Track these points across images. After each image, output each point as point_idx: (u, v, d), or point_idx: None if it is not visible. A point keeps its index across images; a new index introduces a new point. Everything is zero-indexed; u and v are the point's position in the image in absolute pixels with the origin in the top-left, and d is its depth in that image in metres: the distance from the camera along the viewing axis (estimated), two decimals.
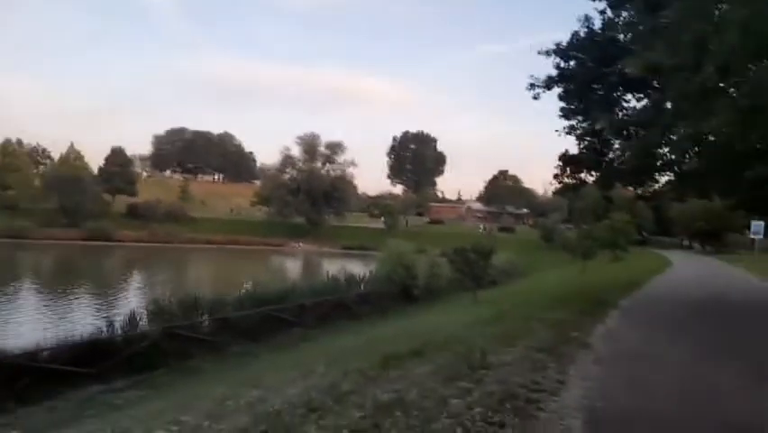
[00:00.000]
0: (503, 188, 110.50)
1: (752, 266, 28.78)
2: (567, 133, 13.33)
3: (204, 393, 10.04)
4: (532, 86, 13.45)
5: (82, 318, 18.97)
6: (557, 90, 13.72)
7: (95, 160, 74.66)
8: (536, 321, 10.19)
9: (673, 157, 12.38)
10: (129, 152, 79.06)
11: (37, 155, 79.00)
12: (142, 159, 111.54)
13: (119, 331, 14.76)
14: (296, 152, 74.85)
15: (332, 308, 22.92)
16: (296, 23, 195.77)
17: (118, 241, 57.41)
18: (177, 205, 72.83)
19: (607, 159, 13.45)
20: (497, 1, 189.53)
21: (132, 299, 24.36)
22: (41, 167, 73.96)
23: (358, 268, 35.47)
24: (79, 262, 44.54)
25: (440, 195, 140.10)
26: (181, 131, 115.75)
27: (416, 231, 77.64)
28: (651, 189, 14.62)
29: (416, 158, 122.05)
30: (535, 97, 13.53)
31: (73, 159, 67.53)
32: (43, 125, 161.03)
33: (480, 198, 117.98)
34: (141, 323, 15.94)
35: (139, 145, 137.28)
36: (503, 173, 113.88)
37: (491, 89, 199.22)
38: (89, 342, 13.67)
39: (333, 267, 47.04)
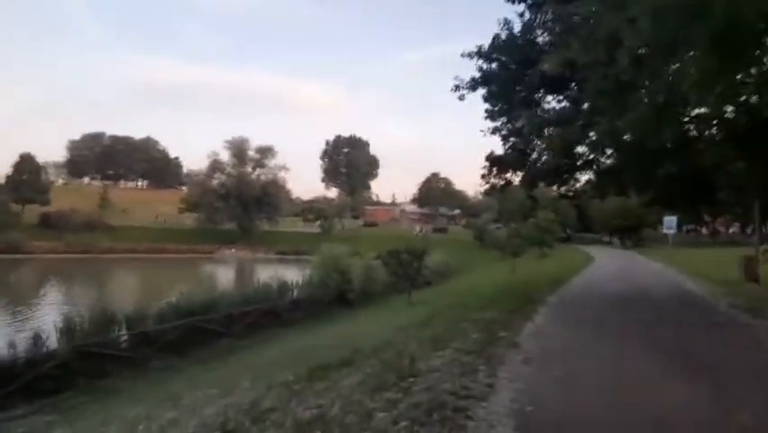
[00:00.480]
0: (436, 191, 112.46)
1: (668, 259, 30.52)
2: (492, 134, 13.47)
3: (114, 415, 9.23)
4: (457, 87, 13.48)
5: None
6: (482, 92, 13.83)
7: (3, 168, 69.26)
8: (467, 322, 10.10)
9: (592, 155, 12.75)
10: (43, 160, 73.85)
11: None
12: (57, 166, 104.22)
13: (20, 353, 13.38)
14: (225, 156, 72.67)
15: (262, 316, 22.10)
16: (226, 27, 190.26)
17: (29, 253, 53.32)
18: (95, 213, 68.54)
19: (530, 159, 13.68)
20: (425, 7, 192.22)
21: (43, 316, 22.44)
22: None
23: (293, 273, 34.67)
24: None
25: (375, 198, 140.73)
26: (99, 135, 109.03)
27: (352, 234, 77.28)
28: (573, 188, 15.03)
29: (349, 162, 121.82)
30: (461, 98, 13.56)
31: None
32: None
33: (413, 201, 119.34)
34: (48, 342, 14.54)
35: (54, 152, 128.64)
36: (435, 176, 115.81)
37: (423, 93, 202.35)
38: None
39: (266, 273, 45.77)
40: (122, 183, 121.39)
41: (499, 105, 13.06)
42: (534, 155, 13.68)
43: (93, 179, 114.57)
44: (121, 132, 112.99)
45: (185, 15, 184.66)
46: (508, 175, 14.39)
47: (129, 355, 15.80)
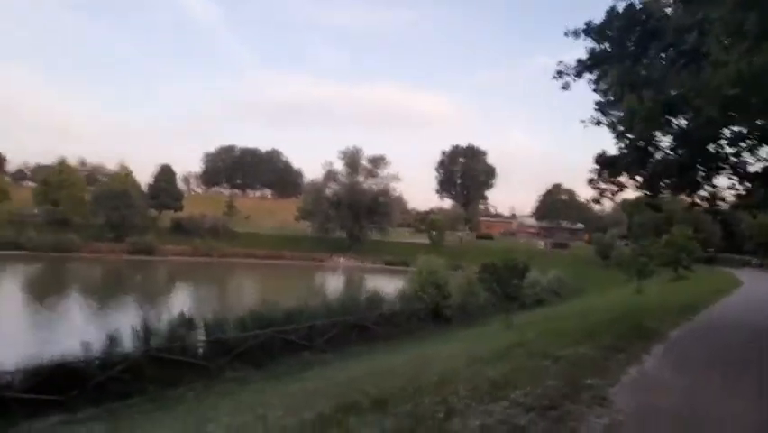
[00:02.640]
0: (557, 203, 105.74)
1: None
2: (596, 124, 10.97)
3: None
4: (560, 73, 11.23)
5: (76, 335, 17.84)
6: (591, 78, 11.42)
7: (146, 178, 76.79)
8: (552, 360, 7.94)
9: (732, 151, 9.85)
10: (183, 170, 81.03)
11: (91, 172, 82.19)
12: (194, 176, 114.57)
13: (95, 353, 13.38)
14: (339, 166, 74.11)
15: (348, 329, 21.05)
16: (347, 44, 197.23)
17: (160, 255, 57.97)
18: (220, 219, 73.22)
19: (650, 158, 10.98)
20: (546, 13, 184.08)
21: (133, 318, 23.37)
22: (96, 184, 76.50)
23: (396, 284, 33.42)
24: (105, 276, 44.74)
25: (492, 210, 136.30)
26: (231, 148, 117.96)
27: (463, 246, 74.92)
28: (709, 196, 11.91)
29: (465, 172, 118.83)
30: (564, 87, 11.31)
31: (123, 175, 69.29)
32: (102, 144, 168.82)
33: (533, 214, 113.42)
34: (125, 344, 14.54)
35: (192, 164, 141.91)
36: (557, 187, 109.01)
37: (546, 102, 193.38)
38: (57, 365, 12.34)
39: (370, 283, 45.52)
40: (249, 192, 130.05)
41: (613, 90, 10.59)
42: (657, 155, 10.95)
43: (224, 188, 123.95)
44: (250, 145, 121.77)
45: (309, 33, 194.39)
46: (622, 179, 11.76)
47: (203, 364, 15.42)
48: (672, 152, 10.60)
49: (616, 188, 11.83)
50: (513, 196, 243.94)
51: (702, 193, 11.72)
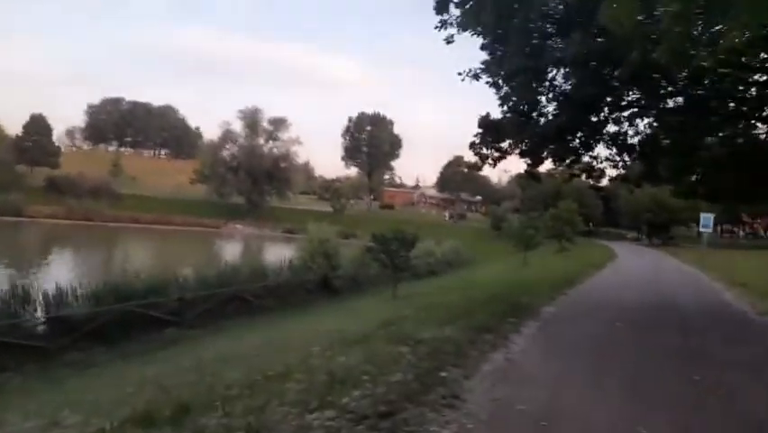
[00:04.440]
0: (458, 174, 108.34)
1: (702, 262, 26.76)
2: (474, 78, 10.13)
3: None
4: (442, 24, 10.15)
5: None
6: (478, 38, 10.50)
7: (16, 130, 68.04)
8: (413, 345, 7.07)
9: (613, 116, 9.47)
10: (67, 124, 72.58)
11: None
12: (77, 130, 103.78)
13: None
14: (237, 127, 70.18)
15: (226, 302, 19.42)
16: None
17: (30, 217, 51.97)
18: (103, 180, 66.93)
19: (533, 122, 10.37)
20: None
21: None
22: None
23: (292, 253, 31.84)
24: None
25: (398, 180, 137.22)
26: (118, 100, 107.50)
27: (365, 216, 74.59)
28: (587, 167, 11.66)
29: (371, 140, 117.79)
30: (448, 41, 10.28)
31: None
32: None
33: (436, 185, 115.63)
34: None
35: (77, 118, 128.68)
36: (458, 159, 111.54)
37: (451, 71, 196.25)
38: None
39: (268, 252, 43.66)
40: (143, 152, 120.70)
41: (495, 45, 9.73)
42: (540, 119, 10.35)
43: (113, 145, 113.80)
44: (143, 99, 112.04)
45: None
46: (504, 145, 11.11)
47: (40, 345, 13.24)
48: (554, 118, 10.05)
49: (497, 155, 11.18)
50: (418, 166, 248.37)
51: (583, 163, 11.43)
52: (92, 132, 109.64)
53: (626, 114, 10.50)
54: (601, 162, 11.38)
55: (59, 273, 25.31)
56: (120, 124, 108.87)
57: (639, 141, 10.62)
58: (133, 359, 13.34)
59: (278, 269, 24.26)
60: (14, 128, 66.43)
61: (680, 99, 9.31)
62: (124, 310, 15.60)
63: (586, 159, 11.48)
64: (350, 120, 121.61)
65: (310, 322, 16.04)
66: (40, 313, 14.14)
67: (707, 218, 29.67)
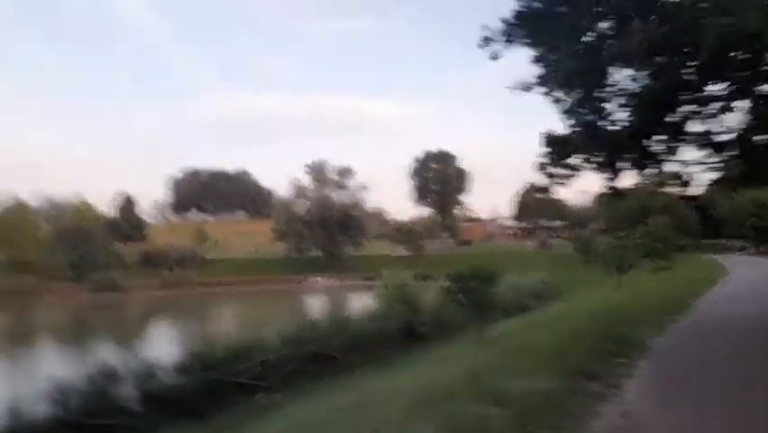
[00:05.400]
0: (533, 201, 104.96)
1: None
2: (529, 89, 9.32)
3: None
4: (486, 40, 9.55)
5: None
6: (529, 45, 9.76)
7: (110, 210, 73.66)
8: (501, 402, 6.17)
9: (694, 113, 8.30)
10: (148, 199, 77.62)
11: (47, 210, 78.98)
12: (164, 205, 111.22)
13: None
14: (306, 181, 72.16)
15: (309, 361, 19.08)
16: (302, 54, 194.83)
17: (128, 291, 55.30)
18: (190, 248, 70.55)
19: (605, 131, 9.36)
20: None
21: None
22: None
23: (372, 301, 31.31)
24: (50, 322, 41.82)
25: (471, 214, 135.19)
26: (197, 172, 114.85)
27: (443, 255, 73.40)
28: (676, 173, 10.32)
29: (438, 177, 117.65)
30: (494, 57, 9.65)
31: (82, 210, 66.32)
32: (61, 179, 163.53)
33: (512, 215, 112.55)
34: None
35: (155, 191, 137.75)
36: (532, 186, 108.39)
37: (513, 102, 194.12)
38: None
39: (350, 302, 43.54)
40: (224, 216, 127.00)
41: (547, 54, 8.98)
42: (609, 127, 9.33)
43: (195, 214, 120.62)
44: (214, 167, 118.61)
45: (265, 49, 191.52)
46: (574, 161, 10.14)
47: (126, 424, 13.31)
48: (626, 124, 9.01)
49: (568, 173, 10.20)
50: (492, 198, 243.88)
51: (669, 171, 10.15)
52: (176, 203, 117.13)
53: (710, 108, 9.26)
54: (689, 167, 10.07)
55: (153, 346, 26.27)
56: (201, 193, 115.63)
57: (731, 138, 9.29)
58: None
59: (359, 320, 23.78)
60: (102, 207, 72.01)
61: None
62: (210, 379, 15.58)
63: (671, 166, 10.21)
64: (416, 160, 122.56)
65: (393, 377, 15.27)
66: (129, 390, 14.30)
67: None
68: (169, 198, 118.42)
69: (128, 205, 71.68)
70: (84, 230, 59.93)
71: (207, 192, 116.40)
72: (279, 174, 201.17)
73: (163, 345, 23.03)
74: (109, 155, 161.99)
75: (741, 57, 7.91)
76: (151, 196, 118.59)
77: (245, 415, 14.49)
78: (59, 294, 52.21)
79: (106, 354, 21.55)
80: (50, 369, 18.05)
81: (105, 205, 72.55)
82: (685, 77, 8.47)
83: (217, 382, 15.54)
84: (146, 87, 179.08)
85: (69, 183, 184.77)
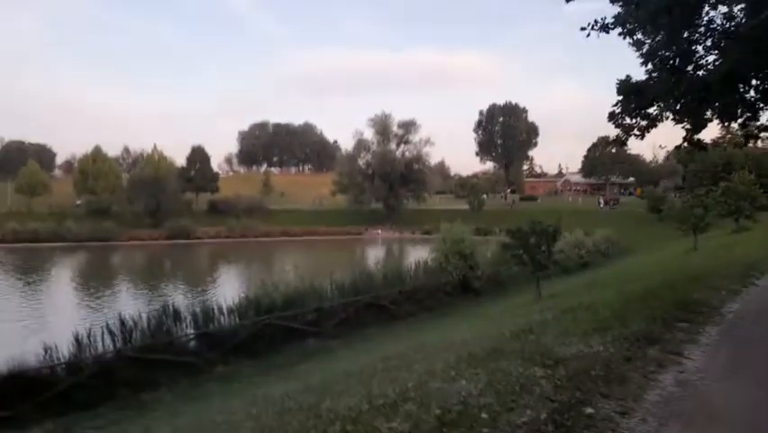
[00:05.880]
0: (605, 156, 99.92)
1: None
2: (623, 37, 8.32)
3: None
4: None
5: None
6: None
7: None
8: (552, 365, 5.75)
9: None
10: (224, 151, 79.95)
11: (133, 159, 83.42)
12: (228, 157, 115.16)
13: (59, 358, 12.08)
14: (369, 135, 71.89)
15: (363, 310, 19.25)
16: (377, 11, 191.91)
17: (197, 238, 57.98)
18: (256, 199, 72.69)
19: (689, 76, 8.27)
20: None
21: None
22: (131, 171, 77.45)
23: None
24: (133, 262, 44.56)
25: (538, 169, 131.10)
26: (264, 125, 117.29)
27: (504, 210, 71.81)
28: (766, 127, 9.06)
29: (505, 131, 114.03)
30: None
31: (157, 160, 69.46)
32: (144, 131, 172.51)
33: (581, 170, 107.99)
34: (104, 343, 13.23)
35: (231, 144, 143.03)
36: (604, 140, 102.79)
37: (588, 49, 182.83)
38: (10, 375, 11.06)
39: (410, 254, 43.75)
40: (289, 169, 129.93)
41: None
42: (697, 72, 8.23)
43: (262, 166, 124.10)
44: (285, 120, 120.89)
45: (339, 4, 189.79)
46: (653, 110, 9.10)
47: (190, 361, 13.96)
48: (719, 64, 7.87)
49: (645, 123, 9.17)
50: (560, 153, 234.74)
51: (761, 122, 8.92)
52: (245, 156, 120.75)
53: None
54: None
55: (216, 289, 27.47)
56: (268, 145, 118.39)
57: None
58: (272, 372, 13.51)
59: (415, 272, 23.70)
60: (179, 160, 75.38)
61: None
62: (266, 323, 16.03)
63: (765, 115, 8.96)
64: (481, 114, 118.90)
65: (444, 329, 15.10)
66: (191, 330, 14.95)
67: None
68: (237, 151, 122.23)
69: (200, 156, 74.39)
70: (159, 180, 62.89)
71: (274, 145, 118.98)
72: (348, 128, 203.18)
73: (225, 289, 23.98)
74: (189, 110, 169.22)
75: None
76: (225, 149, 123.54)
77: (296, 358, 14.87)
78: (135, 238, 55.74)
79: (173, 295, 22.78)
80: (122, 307, 19.09)
81: (181, 157, 76.05)
82: None
83: (270, 325, 15.95)
84: (225, 44, 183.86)
85: (152, 136, 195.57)
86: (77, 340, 12.53)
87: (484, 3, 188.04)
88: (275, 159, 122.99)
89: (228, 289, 23.37)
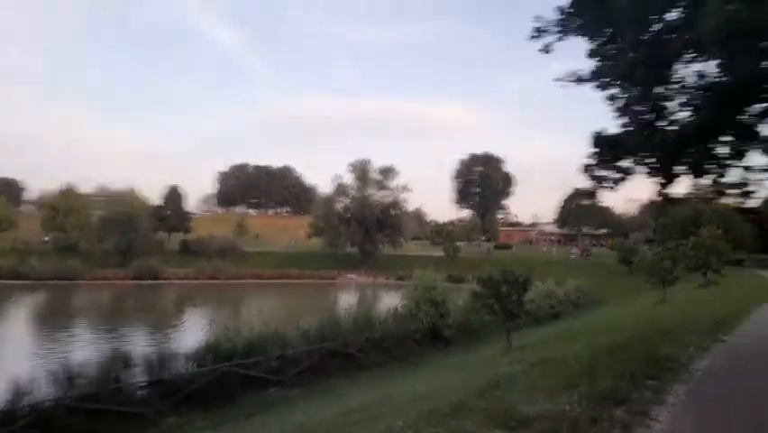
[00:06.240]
0: (578, 208, 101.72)
1: None
2: (596, 88, 8.39)
3: None
4: (538, 31, 8.69)
5: None
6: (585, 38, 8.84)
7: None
8: (517, 425, 5.37)
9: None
10: (201, 192, 79.38)
11: (109, 198, 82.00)
12: (206, 197, 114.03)
13: None
14: (349, 179, 72.04)
15: (328, 358, 18.55)
16: (358, 60, 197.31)
17: (165, 279, 56.36)
18: (229, 240, 71.49)
19: (661, 130, 8.32)
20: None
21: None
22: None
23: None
24: (86, 305, 42.76)
25: (513, 218, 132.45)
26: (243, 166, 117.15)
27: (479, 258, 71.88)
28: (741, 181, 9.09)
29: (482, 180, 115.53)
30: (546, 50, 8.77)
31: (131, 199, 68.27)
32: (122, 171, 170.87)
33: (554, 221, 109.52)
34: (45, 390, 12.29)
35: (209, 185, 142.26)
36: (577, 191, 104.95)
37: (563, 105, 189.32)
38: None
39: (382, 300, 43.07)
40: (268, 211, 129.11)
41: (611, 48, 8.07)
42: (669, 123, 8.28)
43: (240, 207, 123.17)
44: (265, 162, 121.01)
45: (320, 51, 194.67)
46: (626, 163, 9.11)
47: (139, 411, 13.06)
48: (691, 117, 7.95)
49: (617, 176, 9.17)
50: (534, 204, 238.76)
51: (729, 179, 8.96)
52: (223, 197, 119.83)
53: None
54: (754, 174, 8.84)
55: (178, 334, 26.38)
56: (246, 187, 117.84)
57: None
58: (226, 425, 12.70)
59: (384, 320, 23.11)
60: (156, 199, 74.33)
61: None
62: (224, 371, 15.24)
63: (733, 172, 9.01)
64: (460, 162, 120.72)
65: (412, 381, 14.51)
66: (142, 377, 14.08)
67: None
68: (215, 191, 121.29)
69: (175, 196, 73.47)
70: (130, 218, 61.55)
71: (252, 186, 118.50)
72: (327, 173, 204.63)
73: (186, 334, 23.03)
74: (169, 150, 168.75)
75: None
76: (202, 190, 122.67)
77: (253, 409, 14.06)
78: (100, 278, 53.84)
79: (130, 339, 21.69)
80: (73, 351, 18.07)
81: (156, 197, 74.95)
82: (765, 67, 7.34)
83: (229, 373, 15.17)
84: (206, 88, 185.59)
85: (126, 176, 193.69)
86: (15, 387, 11.61)
87: (469, 55, 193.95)
88: (253, 200, 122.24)
89: (190, 333, 22.39)
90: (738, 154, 8.21)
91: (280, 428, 10.69)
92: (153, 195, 75.26)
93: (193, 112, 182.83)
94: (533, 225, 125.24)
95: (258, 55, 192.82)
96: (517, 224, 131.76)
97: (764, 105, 7.77)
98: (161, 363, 14.55)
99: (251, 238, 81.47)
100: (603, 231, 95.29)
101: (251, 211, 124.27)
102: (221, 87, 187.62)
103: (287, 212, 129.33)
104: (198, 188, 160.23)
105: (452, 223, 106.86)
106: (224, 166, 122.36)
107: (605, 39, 8.39)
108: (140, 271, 55.31)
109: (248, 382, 15.63)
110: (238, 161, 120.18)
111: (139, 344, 17.25)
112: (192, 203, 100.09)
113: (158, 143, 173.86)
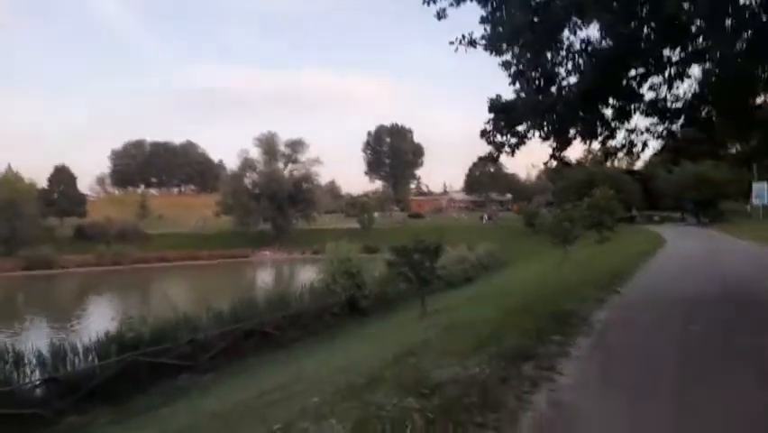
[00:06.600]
0: (484, 175, 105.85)
1: (762, 236, 24.13)
2: (505, 71, 8.51)
3: None
4: None
5: None
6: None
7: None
8: (428, 393, 5.34)
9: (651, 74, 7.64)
10: (97, 173, 73.32)
11: None
12: (101, 178, 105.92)
13: None
14: (255, 154, 69.75)
15: (243, 338, 18.04)
16: (265, 30, 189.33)
17: (62, 267, 52.19)
18: (130, 222, 67.21)
19: (553, 96, 8.61)
20: None
21: None
22: None
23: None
24: None
25: (425, 188, 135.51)
26: (140, 143, 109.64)
27: (393, 228, 72.94)
28: (627, 143, 9.73)
29: (392, 151, 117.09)
30: (440, 15, 8.70)
31: (13, 182, 61.88)
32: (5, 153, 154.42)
33: (463, 189, 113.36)
34: None
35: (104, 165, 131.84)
36: (482, 160, 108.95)
37: (474, 75, 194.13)
38: None
39: (299, 276, 42.51)
40: (171, 190, 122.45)
41: (494, 11, 8.13)
42: (560, 92, 8.59)
43: (139, 187, 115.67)
44: (164, 139, 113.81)
45: (224, 20, 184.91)
46: (522, 128, 9.35)
47: (32, 412, 12.00)
48: (578, 83, 8.27)
49: (514, 141, 9.41)
50: (445, 173, 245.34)
51: (617, 142, 9.54)
52: (119, 177, 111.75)
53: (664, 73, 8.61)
54: (641, 134, 9.44)
55: (79, 326, 24.54)
56: (144, 165, 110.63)
57: (686, 103, 8.71)
58: (132, 419, 12.00)
59: (300, 295, 22.83)
60: (42, 183, 67.83)
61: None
62: (130, 361, 14.36)
63: (622, 134, 9.58)
64: (369, 134, 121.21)
65: (329, 354, 14.47)
66: (36, 375, 12.94)
67: (760, 188, 27.11)
68: (110, 170, 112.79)
69: (64, 177, 67.27)
70: (12, 202, 55.94)
71: (151, 164, 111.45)
72: (233, 148, 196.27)
73: (92, 325, 21.41)
74: (52, 133, 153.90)
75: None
76: (98, 169, 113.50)
77: (163, 399, 13.40)
78: None
79: (21, 336, 19.85)
80: None
81: (44, 179, 68.32)
82: (641, 34, 7.72)
83: (135, 363, 14.33)
84: (97, 59, 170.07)
85: (5, 157, 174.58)
86: None
87: (378, 25, 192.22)
88: (153, 179, 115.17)
89: (96, 324, 20.84)
90: (623, 116, 8.68)
91: (190, 416, 10.25)
92: (41, 179, 68.90)
93: (82, 88, 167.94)
94: (443, 193, 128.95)
95: (151, 26, 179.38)
96: (429, 193, 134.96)
97: (643, 68, 8.24)
98: (58, 359, 13.43)
99: (153, 219, 77.23)
100: (508, 196, 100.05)
101: (152, 191, 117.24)
102: (110, 60, 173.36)
103: (191, 190, 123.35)
104: (93, 170, 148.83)
105: (366, 195, 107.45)
106: (119, 144, 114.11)
107: (496, 3, 8.47)
108: (30, 261, 50.79)
109: (157, 371, 14.86)
110: (134, 137, 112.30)
111: (35, 341, 15.75)
112: (86, 184, 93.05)
113: (42, 124, 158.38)
